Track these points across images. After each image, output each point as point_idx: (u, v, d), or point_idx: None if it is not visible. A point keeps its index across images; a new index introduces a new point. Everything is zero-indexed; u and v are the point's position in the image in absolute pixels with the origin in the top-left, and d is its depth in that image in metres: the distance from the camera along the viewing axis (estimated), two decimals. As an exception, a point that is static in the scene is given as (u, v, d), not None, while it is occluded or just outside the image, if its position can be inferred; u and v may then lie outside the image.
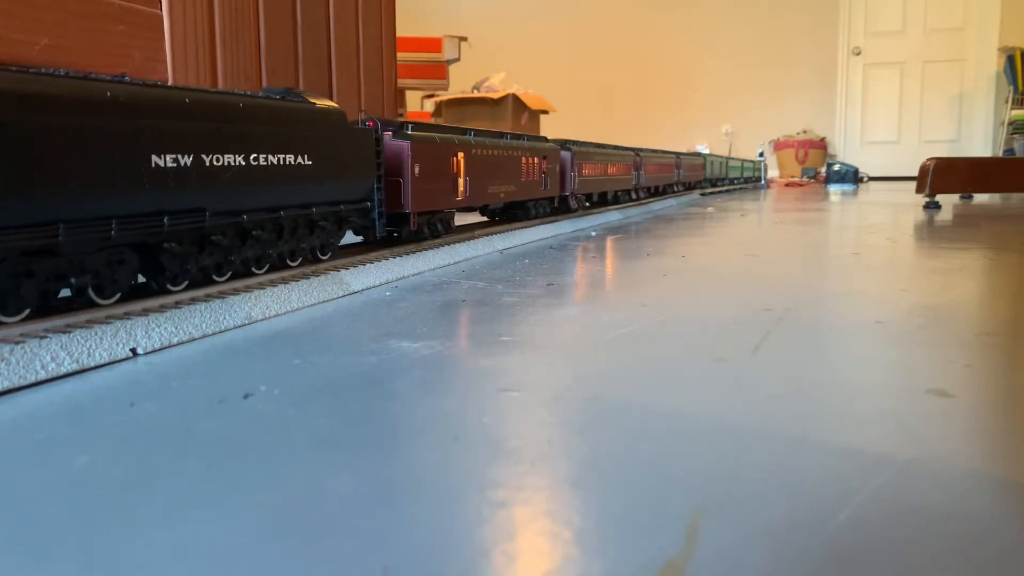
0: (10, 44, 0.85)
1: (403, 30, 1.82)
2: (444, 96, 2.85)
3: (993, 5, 3.91)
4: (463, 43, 2.65)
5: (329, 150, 0.72)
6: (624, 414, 0.37)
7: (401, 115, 2.19)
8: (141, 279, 0.58)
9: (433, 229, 0.98)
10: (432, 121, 2.63)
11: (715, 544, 0.24)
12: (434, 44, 2.60)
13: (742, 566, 0.23)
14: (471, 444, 0.33)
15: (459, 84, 3.05)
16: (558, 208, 1.50)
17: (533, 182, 1.31)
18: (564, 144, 1.49)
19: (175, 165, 0.54)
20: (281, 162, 0.65)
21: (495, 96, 2.78)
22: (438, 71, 2.64)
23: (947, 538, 0.24)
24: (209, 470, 0.30)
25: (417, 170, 0.88)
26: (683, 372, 0.45)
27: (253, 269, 0.67)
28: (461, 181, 1.02)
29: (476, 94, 2.86)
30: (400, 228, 0.91)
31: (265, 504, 0.27)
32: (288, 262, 0.71)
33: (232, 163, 0.60)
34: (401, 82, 2.21)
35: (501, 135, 1.22)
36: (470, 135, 1.07)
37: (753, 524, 0.25)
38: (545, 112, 3.04)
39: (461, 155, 1.02)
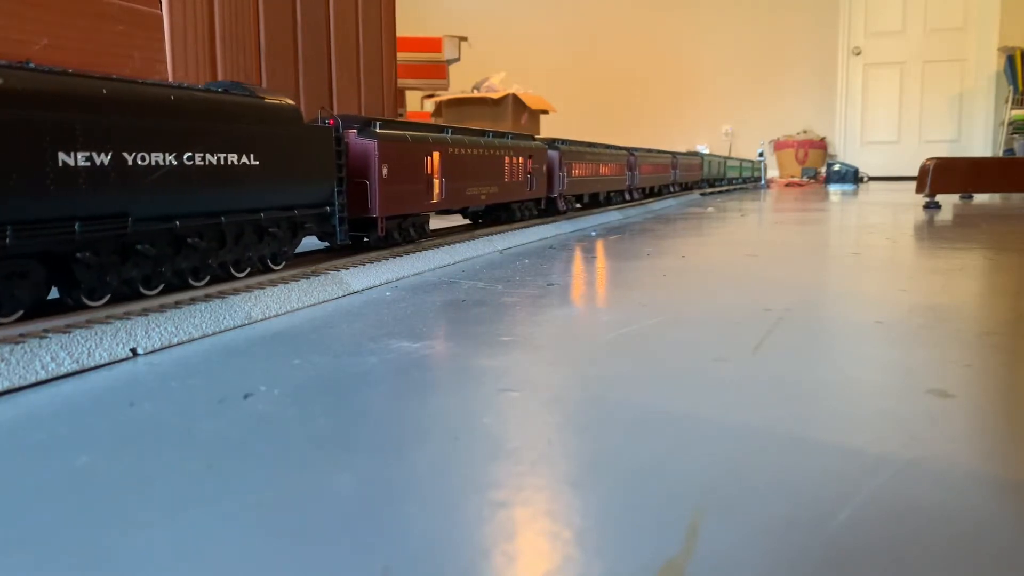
0: (10, 44, 0.85)
1: (403, 30, 1.82)
2: (444, 96, 2.85)
3: (993, 5, 3.91)
4: (463, 43, 2.65)
5: (280, 149, 0.66)
6: (624, 414, 0.37)
7: (401, 115, 2.19)
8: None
9: (405, 234, 0.92)
10: (432, 121, 2.63)
11: (715, 544, 0.24)
12: (434, 44, 2.60)
13: (742, 566, 0.23)
14: (471, 444, 0.33)
15: (459, 84, 3.05)
16: (545, 210, 1.44)
17: (517, 183, 1.24)
18: (552, 143, 1.43)
19: (88, 164, 0.48)
20: (222, 162, 0.59)
21: (495, 96, 2.78)
22: (438, 71, 2.64)
23: (947, 538, 0.24)
24: (209, 470, 0.30)
25: (385, 171, 0.82)
26: (683, 372, 0.45)
27: (191, 281, 0.60)
28: (436, 182, 0.95)
29: (476, 94, 2.86)
30: (368, 233, 0.85)
31: (265, 504, 0.27)
32: (233, 273, 0.64)
33: (161, 163, 0.53)
34: (401, 82, 2.21)
35: (482, 133, 1.16)
36: (447, 133, 1.01)
37: (753, 524, 0.25)
38: (545, 112, 3.04)
39: (436, 155, 0.95)
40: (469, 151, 1.05)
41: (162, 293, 0.57)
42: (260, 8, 1.22)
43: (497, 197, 1.17)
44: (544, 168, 1.37)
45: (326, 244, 0.85)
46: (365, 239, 0.86)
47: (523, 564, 0.23)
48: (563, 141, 1.47)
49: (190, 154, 0.56)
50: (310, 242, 0.85)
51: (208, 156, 0.58)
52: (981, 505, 0.27)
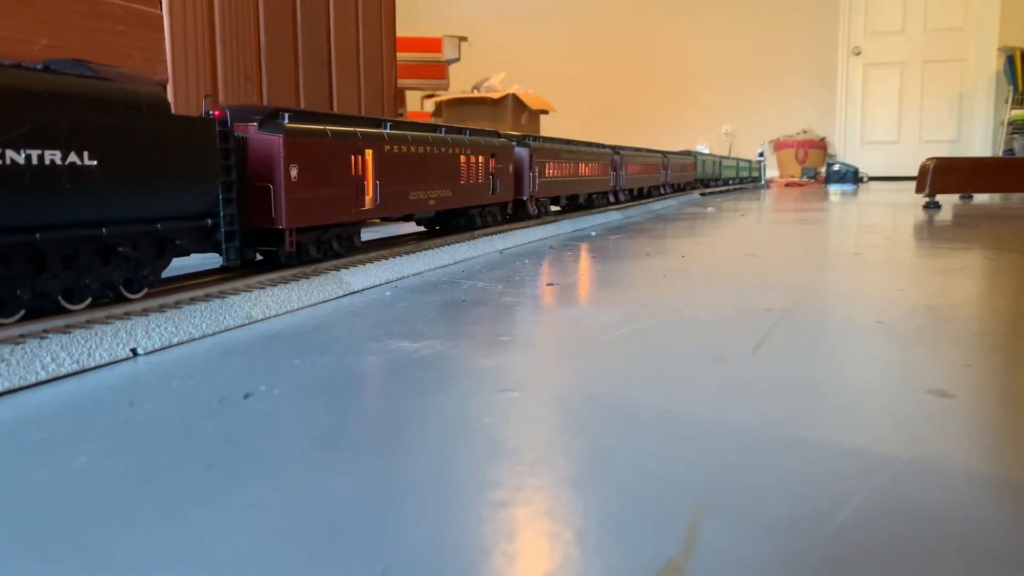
0: (10, 44, 0.85)
1: (403, 30, 1.82)
2: (444, 96, 2.85)
3: (993, 5, 3.91)
4: (463, 43, 2.65)
5: (133, 147, 0.52)
6: (624, 414, 0.37)
7: (401, 115, 2.19)
8: None
9: (325, 248, 0.78)
10: (432, 121, 2.63)
11: (715, 544, 0.24)
12: (434, 44, 2.60)
13: (742, 566, 0.23)
14: (471, 444, 0.33)
15: (459, 84, 3.06)
16: (514, 215, 1.31)
17: (477, 185, 1.10)
18: (521, 140, 1.30)
19: None
20: (34, 162, 0.44)
21: (495, 96, 2.79)
22: (438, 71, 2.64)
23: (947, 538, 0.24)
24: (209, 470, 0.30)
25: (295, 173, 0.68)
26: (683, 372, 0.45)
27: None
28: (369, 186, 0.81)
29: (476, 94, 2.87)
30: (277, 248, 0.71)
31: (265, 504, 0.27)
32: (64, 304, 0.50)
33: None
34: (401, 82, 2.21)
35: (433, 128, 1.02)
36: (384, 127, 0.87)
37: (753, 524, 0.25)
38: (545, 112, 3.05)
39: (369, 153, 0.81)
40: (412, 149, 0.91)
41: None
42: (260, 8, 1.22)
43: (451, 202, 1.03)
44: (511, 168, 1.24)
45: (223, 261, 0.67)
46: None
47: (523, 564, 0.23)
48: (534, 138, 1.36)
49: None
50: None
51: (11, 154, 0.43)
52: (981, 505, 0.27)
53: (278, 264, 0.72)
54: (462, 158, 1.05)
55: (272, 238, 0.69)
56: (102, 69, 0.51)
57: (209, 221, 0.60)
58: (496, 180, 1.17)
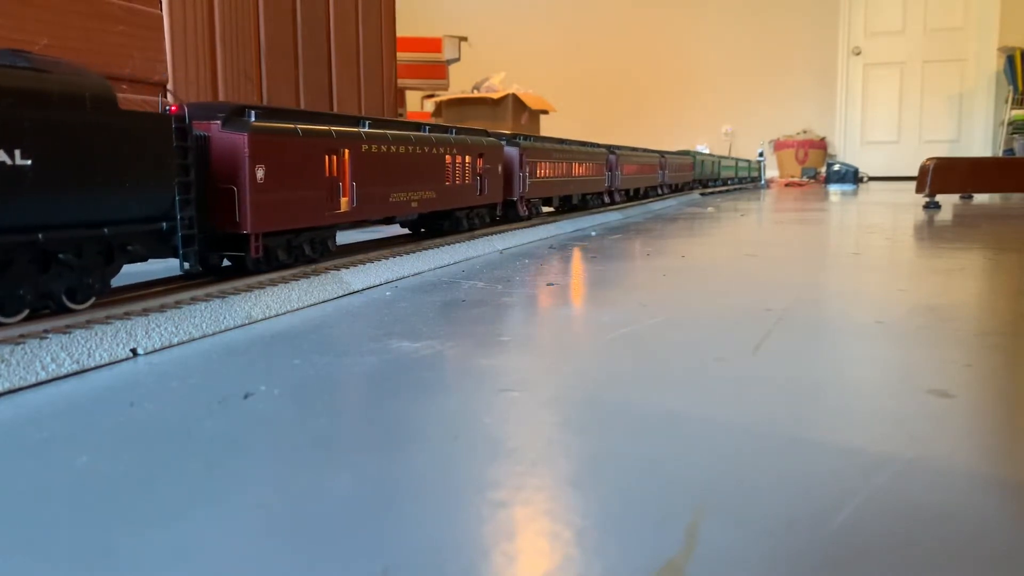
0: (10, 44, 0.85)
1: (403, 30, 1.82)
2: (444, 96, 2.85)
3: (993, 5, 3.91)
4: (463, 43, 2.65)
5: (75, 144, 0.47)
6: (624, 414, 0.37)
7: (401, 115, 2.19)
8: None
9: (297, 253, 0.73)
10: (432, 121, 2.63)
11: (715, 544, 0.24)
12: (434, 44, 2.60)
13: (742, 566, 0.23)
14: (471, 444, 0.33)
15: (459, 84, 3.06)
16: (503, 217, 1.27)
17: (464, 186, 1.06)
18: (512, 139, 1.26)
19: None
20: None
21: (495, 96, 2.78)
22: (438, 71, 2.64)
23: (947, 538, 0.24)
24: (209, 470, 0.30)
25: (261, 174, 0.64)
26: (683, 372, 0.45)
27: None
28: (345, 187, 0.77)
29: (476, 94, 2.87)
30: (244, 254, 0.66)
31: (265, 504, 0.27)
32: None
33: None
34: (401, 82, 2.21)
35: (417, 126, 0.97)
36: (362, 125, 0.83)
37: (753, 524, 0.25)
38: (545, 112, 3.04)
39: (346, 152, 0.77)
40: (393, 148, 0.86)
41: None
42: (260, 8, 1.22)
43: (435, 204, 0.97)
44: (500, 168, 1.19)
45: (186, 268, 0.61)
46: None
47: (523, 564, 0.23)
48: (524, 137, 1.33)
49: None
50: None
51: None
52: (981, 505, 0.27)
53: (245, 270, 0.68)
54: (447, 158, 1.01)
55: (238, 243, 0.65)
56: (41, 60, 0.47)
57: (165, 224, 0.56)
58: (484, 181, 1.13)
